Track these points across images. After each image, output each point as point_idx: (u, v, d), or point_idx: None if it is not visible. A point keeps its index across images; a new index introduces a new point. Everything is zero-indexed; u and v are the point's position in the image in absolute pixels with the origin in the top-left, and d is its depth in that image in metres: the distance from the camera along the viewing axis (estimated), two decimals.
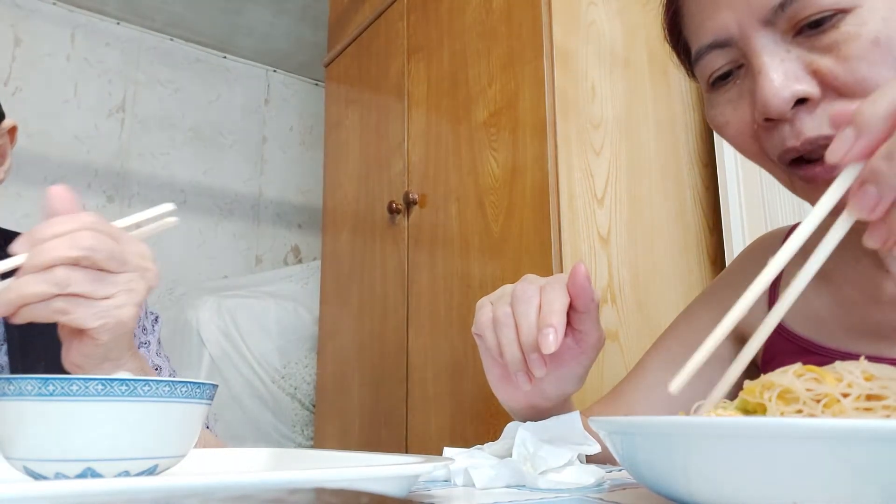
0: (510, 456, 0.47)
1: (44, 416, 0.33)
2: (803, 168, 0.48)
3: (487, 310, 0.53)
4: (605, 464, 0.56)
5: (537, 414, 0.56)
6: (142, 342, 0.76)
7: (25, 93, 2.51)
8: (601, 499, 0.38)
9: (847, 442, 0.24)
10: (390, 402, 1.52)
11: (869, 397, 0.31)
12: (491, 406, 1.22)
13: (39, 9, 2.59)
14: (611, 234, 1.21)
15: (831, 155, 0.34)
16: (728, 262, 1.27)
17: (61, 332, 0.52)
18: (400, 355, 1.50)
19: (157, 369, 0.76)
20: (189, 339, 2.13)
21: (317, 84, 3.28)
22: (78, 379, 0.33)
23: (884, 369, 0.32)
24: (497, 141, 1.30)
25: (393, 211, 1.55)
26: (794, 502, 0.25)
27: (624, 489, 0.43)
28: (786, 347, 0.58)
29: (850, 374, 0.32)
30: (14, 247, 0.46)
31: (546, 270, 1.13)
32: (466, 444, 0.71)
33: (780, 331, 0.60)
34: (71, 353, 0.51)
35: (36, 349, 0.69)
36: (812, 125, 0.46)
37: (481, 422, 1.24)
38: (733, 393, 0.36)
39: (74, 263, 0.46)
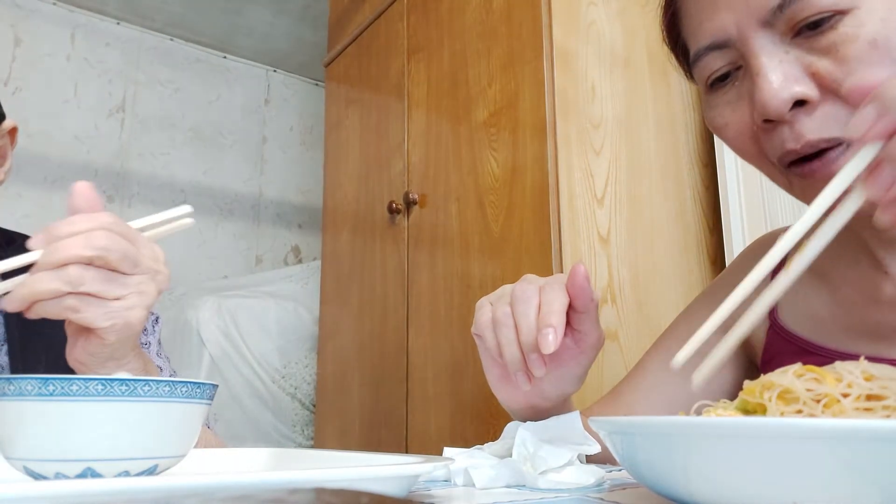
0: (510, 456, 0.48)
1: (44, 416, 0.33)
2: (801, 166, 0.47)
3: (487, 310, 0.53)
4: (605, 464, 0.56)
5: (537, 414, 0.56)
6: (142, 342, 0.76)
7: (25, 93, 2.51)
8: (601, 499, 0.38)
9: (847, 442, 0.24)
10: (390, 402, 1.52)
11: (869, 397, 0.31)
12: (491, 406, 1.22)
13: (39, 9, 2.59)
14: (611, 234, 1.21)
15: (851, 131, 0.34)
16: (728, 262, 1.27)
17: (68, 329, 0.52)
18: (400, 355, 1.50)
19: (157, 370, 0.76)
20: (189, 339, 2.12)
21: (317, 84, 3.28)
22: (78, 379, 0.33)
23: (884, 369, 0.32)
24: (497, 141, 1.30)
25: (393, 211, 1.55)
26: (794, 502, 0.25)
27: (624, 489, 0.43)
28: (785, 348, 0.58)
29: (850, 375, 0.32)
30: (31, 243, 0.47)
31: (546, 270, 1.13)
32: (466, 444, 0.71)
33: (780, 331, 0.60)
34: (76, 351, 0.51)
35: (36, 349, 0.69)
36: (812, 127, 0.46)
37: (481, 422, 1.24)
38: (733, 393, 0.36)
39: (88, 262, 0.47)
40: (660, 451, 0.30)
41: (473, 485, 0.45)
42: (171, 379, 0.35)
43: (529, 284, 0.52)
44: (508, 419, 0.57)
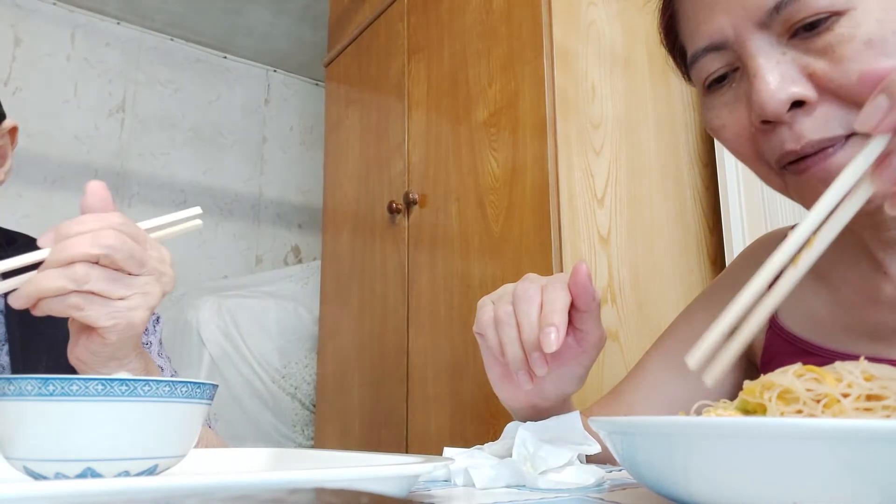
0: (510, 456, 0.48)
1: (44, 416, 0.33)
2: (798, 164, 0.47)
3: (489, 309, 0.53)
4: (605, 464, 0.56)
5: (537, 413, 0.56)
6: (143, 343, 0.76)
7: (25, 93, 2.51)
8: (601, 499, 0.38)
9: (847, 442, 0.24)
10: (390, 402, 1.52)
11: (869, 397, 0.31)
12: (491, 406, 1.22)
13: (39, 9, 2.59)
14: (611, 234, 1.21)
15: (862, 123, 0.34)
16: (728, 262, 1.27)
17: (71, 327, 0.52)
18: (400, 355, 1.50)
19: (159, 370, 0.76)
20: (189, 339, 2.12)
21: (317, 84, 3.28)
22: (78, 379, 0.33)
23: (884, 369, 0.32)
24: (497, 141, 1.30)
25: (393, 211, 1.55)
26: (794, 502, 0.25)
27: (624, 489, 0.43)
28: (785, 348, 0.58)
29: (850, 375, 0.32)
30: (41, 241, 0.48)
31: (546, 270, 1.13)
32: (466, 444, 0.71)
33: (779, 332, 0.60)
34: (77, 349, 0.52)
35: (37, 349, 0.69)
36: (812, 127, 0.46)
37: (481, 422, 1.24)
38: (733, 393, 0.36)
39: (95, 261, 0.47)
40: (660, 451, 0.30)
41: (473, 485, 0.45)
42: (171, 379, 0.35)
43: (531, 283, 0.52)
44: (508, 419, 0.57)
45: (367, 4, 1.84)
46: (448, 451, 0.51)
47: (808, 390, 0.32)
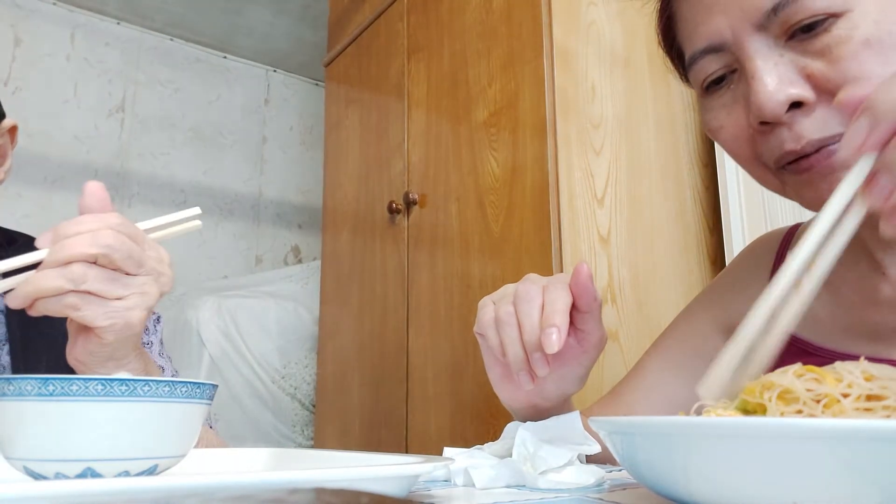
0: (510, 456, 0.48)
1: (44, 416, 0.33)
2: (799, 163, 0.48)
3: (490, 309, 0.53)
4: (605, 464, 0.56)
5: (538, 414, 0.56)
6: (144, 342, 0.76)
7: (25, 93, 2.51)
8: (601, 499, 0.38)
9: (847, 442, 0.24)
10: (390, 402, 1.52)
11: (869, 397, 0.31)
12: (491, 406, 1.22)
13: (39, 9, 2.59)
14: (611, 234, 1.21)
15: (846, 147, 0.34)
16: (728, 262, 1.26)
17: (69, 327, 0.52)
18: (400, 355, 1.50)
19: (159, 370, 0.76)
20: (189, 339, 2.12)
21: (317, 84, 3.28)
22: (78, 379, 0.33)
23: (884, 369, 0.32)
24: (497, 141, 1.30)
25: (393, 211, 1.55)
26: (794, 502, 0.25)
27: (624, 489, 0.43)
28: (784, 348, 0.58)
29: (851, 375, 0.32)
30: (39, 241, 0.48)
31: (546, 270, 1.13)
32: (466, 444, 0.71)
33: None
34: (76, 350, 0.52)
35: (38, 349, 0.69)
36: (812, 128, 0.46)
37: (481, 422, 1.24)
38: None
39: (92, 261, 0.47)
40: (660, 451, 0.30)
41: (473, 485, 0.45)
42: (171, 379, 0.35)
43: (532, 284, 0.52)
44: (508, 419, 0.57)
45: (367, 4, 1.84)
46: (448, 451, 0.51)
47: (808, 390, 0.32)
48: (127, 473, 0.35)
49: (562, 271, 1.13)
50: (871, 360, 0.34)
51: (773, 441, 0.25)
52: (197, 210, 0.56)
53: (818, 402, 0.31)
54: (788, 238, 0.65)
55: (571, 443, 0.49)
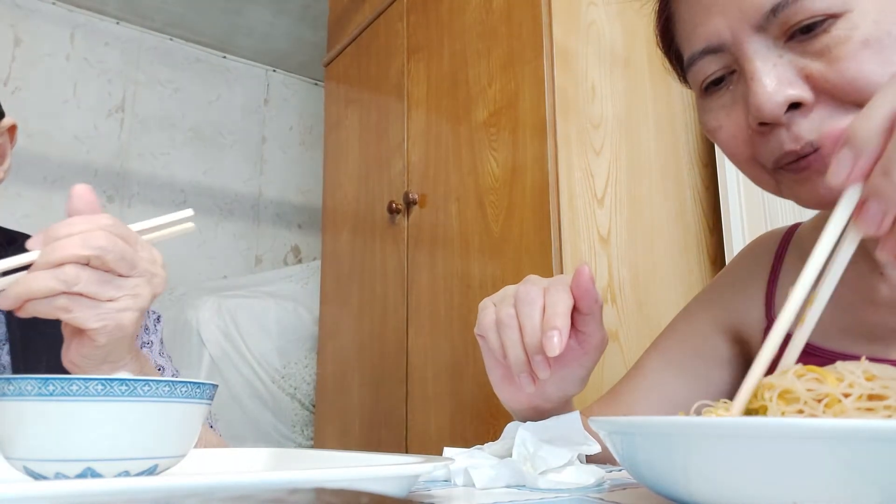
0: (510, 456, 0.47)
1: (44, 416, 0.33)
2: (797, 162, 0.48)
3: (490, 311, 0.53)
4: (605, 464, 0.56)
5: (539, 415, 0.56)
6: (144, 342, 0.76)
7: (25, 93, 2.51)
8: (601, 499, 0.38)
9: (847, 442, 0.24)
10: (390, 402, 1.52)
11: (870, 397, 0.31)
12: (491, 406, 1.22)
13: (39, 9, 2.59)
14: (611, 234, 1.21)
15: (833, 178, 0.35)
16: (728, 262, 1.26)
17: (64, 330, 0.52)
18: (400, 355, 1.50)
19: (160, 369, 0.76)
20: (189, 339, 2.12)
21: (317, 84, 3.28)
22: (78, 379, 0.33)
23: (886, 369, 0.32)
24: (497, 141, 1.30)
25: (393, 211, 1.55)
26: (794, 502, 0.25)
27: (624, 489, 0.43)
28: (783, 349, 0.58)
29: (852, 374, 0.32)
30: (29, 243, 0.47)
31: (546, 270, 1.13)
32: (466, 444, 0.71)
33: None
34: (70, 353, 0.51)
35: (38, 349, 0.69)
36: (810, 128, 0.46)
37: (481, 422, 1.24)
38: (733, 393, 0.36)
39: (85, 262, 0.47)
40: (660, 451, 0.30)
41: (473, 485, 0.45)
42: (171, 379, 0.35)
43: (533, 286, 0.51)
44: (508, 419, 0.57)
45: (366, 4, 1.84)
46: (448, 451, 0.51)
47: (809, 390, 0.32)
48: (127, 473, 0.35)
49: (562, 271, 1.13)
50: (870, 360, 0.34)
51: (773, 441, 0.25)
52: (189, 212, 0.55)
53: (819, 401, 0.31)
54: (788, 238, 0.65)
55: (571, 443, 0.49)
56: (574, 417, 0.52)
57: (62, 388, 0.33)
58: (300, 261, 3.09)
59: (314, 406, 1.99)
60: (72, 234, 0.47)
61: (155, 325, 0.78)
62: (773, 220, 1.22)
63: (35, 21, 2.58)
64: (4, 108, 0.76)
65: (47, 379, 0.33)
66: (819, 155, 0.46)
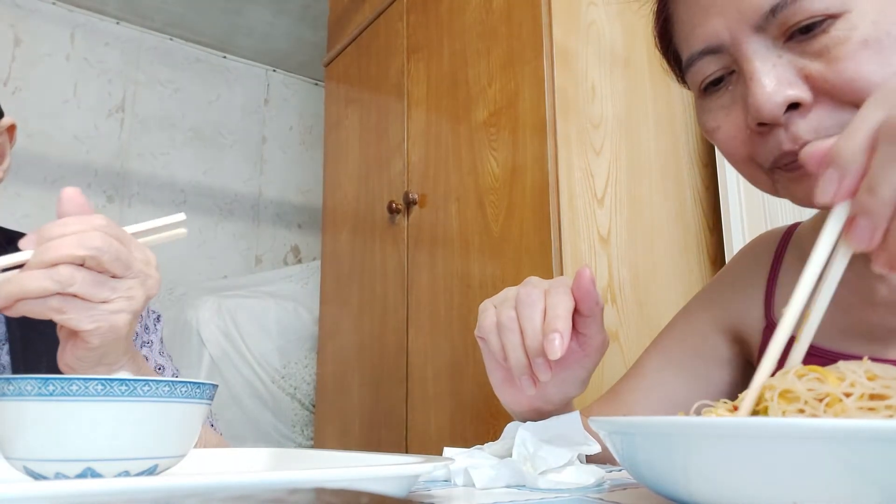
0: (510, 456, 0.48)
1: (44, 416, 0.33)
2: (794, 162, 0.48)
3: (491, 313, 0.53)
4: (605, 464, 0.56)
5: (539, 417, 0.56)
6: (144, 342, 0.76)
7: (25, 93, 2.51)
8: (601, 499, 0.38)
9: (847, 442, 0.24)
10: (390, 402, 1.52)
11: (872, 397, 0.31)
12: (491, 406, 1.22)
13: (39, 9, 2.59)
14: (611, 234, 1.21)
15: (821, 198, 0.35)
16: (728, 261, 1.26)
17: (60, 333, 0.51)
18: (400, 355, 1.50)
19: (160, 369, 0.76)
20: (189, 339, 2.12)
21: (317, 84, 3.28)
22: (78, 379, 0.33)
23: (888, 369, 0.32)
24: (497, 141, 1.30)
25: (393, 211, 1.55)
26: (794, 502, 0.25)
27: (624, 489, 0.43)
28: (784, 350, 0.58)
29: (853, 374, 0.32)
30: (22, 243, 0.47)
31: (546, 270, 1.13)
32: (466, 444, 0.71)
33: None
34: (65, 355, 0.51)
35: (38, 349, 0.69)
36: (808, 128, 0.46)
37: (481, 422, 1.24)
38: (733, 393, 0.36)
39: (80, 263, 0.46)
40: (660, 451, 0.29)
41: (473, 485, 0.45)
42: (171, 379, 0.35)
43: (534, 288, 0.51)
44: (508, 419, 0.57)
45: (366, 4, 1.84)
46: (448, 451, 0.51)
47: (810, 390, 0.32)
48: (127, 473, 0.35)
49: (562, 271, 1.13)
50: (870, 360, 0.34)
51: (773, 441, 0.25)
52: (181, 216, 0.55)
53: (820, 401, 0.31)
54: (787, 237, 0.65)
55: (571, 443, 0.49)
56: (574, 417, 0.52)
57: (62, 388, 0.33)
58: (300, 261, 3.09)
59: (314, 406, 1.99)
60: (66, 234, 0.46)
61: (155, 325, 0.78)
62: (773, 220, 1.22)
63: (35, 21, 2.58)
64: (4, 108, 0.76)
65: (47, 379, 0.33)
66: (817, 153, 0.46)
